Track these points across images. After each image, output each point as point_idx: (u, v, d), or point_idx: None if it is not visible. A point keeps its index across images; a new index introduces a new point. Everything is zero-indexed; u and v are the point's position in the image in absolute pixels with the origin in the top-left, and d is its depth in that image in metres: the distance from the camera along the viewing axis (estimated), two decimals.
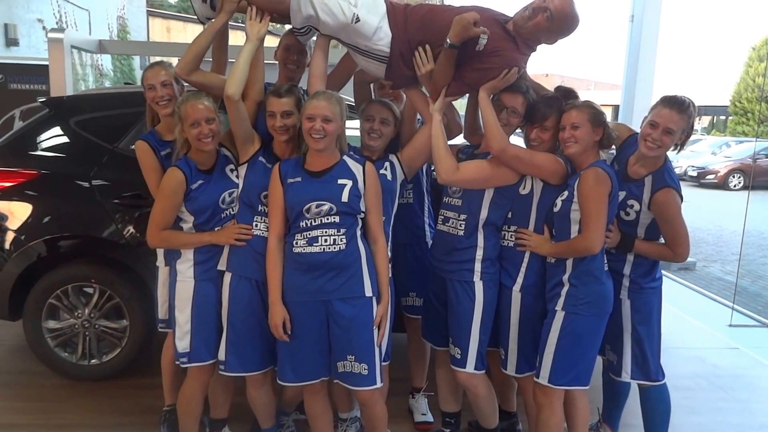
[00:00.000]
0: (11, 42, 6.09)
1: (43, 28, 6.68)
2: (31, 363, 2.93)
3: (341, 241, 1.91)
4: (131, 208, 2.68)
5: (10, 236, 2.72)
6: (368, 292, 1.96)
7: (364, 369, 1.93)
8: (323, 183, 1.92)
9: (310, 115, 1.87)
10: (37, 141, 2.80)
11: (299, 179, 1.93)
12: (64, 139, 2.83)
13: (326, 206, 1.90)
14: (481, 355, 2.13)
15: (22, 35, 6.26)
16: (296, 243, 1.92)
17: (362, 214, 1.97)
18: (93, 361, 2.82)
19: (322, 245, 1.89)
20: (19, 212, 2.73)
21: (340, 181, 1.92)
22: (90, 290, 2.79)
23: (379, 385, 1.98)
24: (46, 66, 4.84)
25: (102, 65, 7.90)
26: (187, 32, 11.69)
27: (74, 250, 2.81)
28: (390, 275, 2.14)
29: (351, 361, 1.94)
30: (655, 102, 2.03)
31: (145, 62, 8.99)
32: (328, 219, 1.91)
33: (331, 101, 1.89)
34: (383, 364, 2.11)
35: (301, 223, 1.91)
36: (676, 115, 1.94)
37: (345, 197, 1.90)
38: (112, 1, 8.92)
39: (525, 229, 2.08)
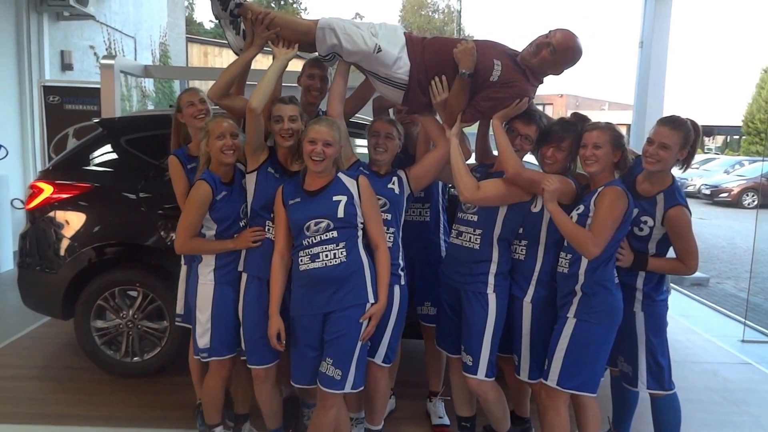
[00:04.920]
0: (66, 67, 6.57)
1: (94, 54, 7.20)
2: (79, 359, 3.17)
3: (341, 254, 2.00)
4: (173, 218, 2.85)
5: (65, 243, 2.98)
6: (372, 299, 2.05)
7: (338, 374, 2.01)
8: (319, 201, 2.03)
9: (312, 138, 1.99)
10: (92, 157, 3.09)
11: (299, 200, 2.06)
12: (116, 156, 3.09)
13: (324, 223, 2.01)
14: (491, 362, 2.21)
15: (75, 60, 6.75)
16: (301, 261, 2.03)
17: (361, 225, 2.07)
18: (135, 358, 3.02)
19: (323, 260, 2.00)
20: (74, 221, 2.99)
21: (335, 198, 2.03)
22: (134, 293, 3.01)
23: (347, 390, 2.03)
24: (98, 89, 5.28)
25: (146, 87, 8.43)
26: (222, 57, 12.32)
27: (121, 256, 3.04)
28: (404, 283, 2.26)
29: (329, 364, 2.02)
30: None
31: (185, 85, 9.50)
32: (326, 235, 2.01)
33: (332, 127, 2.03)
34: (385, 365, 2.22)
35: (303, 241, 2.03)
36: (669, 131, 2.05)
37: (341, 213, 2.01)
38: (156, 29, 9.52)
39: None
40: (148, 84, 8.58)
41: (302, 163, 2.18)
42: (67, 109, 5.37)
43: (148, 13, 9.17)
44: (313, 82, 2.41)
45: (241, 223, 2.27)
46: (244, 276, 2.24)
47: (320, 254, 2.02)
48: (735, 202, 13.78)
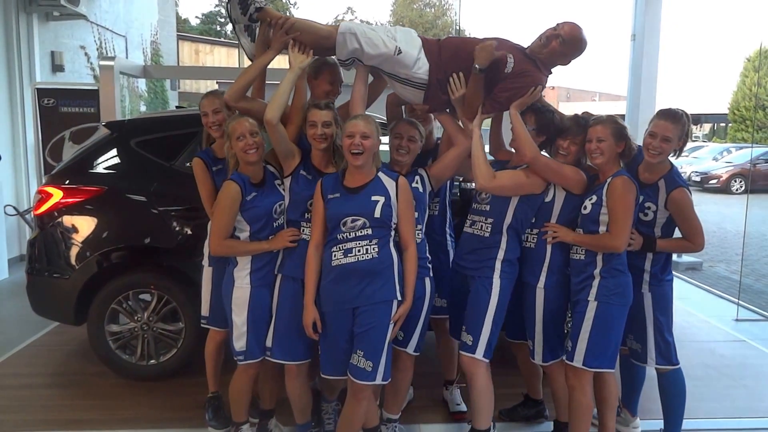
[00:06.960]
0: (57, 68, 6.44)
1: (85, 54, 7.08)
2: (88, 365, 3.17)
3: (373, 250, 2.07)
4: (186, 219, 2.91)
5: (77, 247, 2.96)
6: (399, 296, 2.12)
7: (369, 366, 2.08)
8: (358, 199, 2.09)
9: (351, 132, 2.07)
10: (102, 160, 3.06)
11: (338, 195, 2.11)
12: (126, 158, 3.07)
13: (360, 221, 2.07)
14: (490, 344, 2.27)
15: (66, 61, 6.62)
16: (334, 256, 2.09)
17: (394, 225, 2.13)
18: (151, 361, 3.02)
19: (356, 255, 2.07)
20: (85, 225, 2.97)
21: (373, 198, 2.09)
22: (147, 296, 3.00)
23: (378, 381, 2.10)
24: (94, 90, 5.21)
25: (137, 87, 8.33)
26: (214, 54, 12.21)
27: (135, 258, 3.03)
28: (432, 275, 2.32)
29: (360, 356, 2.08)
30: (653, 116, 2.29)
31: (176, 83, 9.42)
32: (361, 232, 2.07)
33: (368, 121, 2.10)
34: (415, 354, 2.30)
35: (338, 236, 2.09)
36: (671, 125, 2.20)
37: (377, 213, 2.07)
38: (147, 27, 9.40)
39: (549, 223, 2.27)
40: (140, 84, 8.48)
41: (337, 165, 2.22)
42: (62, 112, 5.28)
43: (138, 11, 9.05)
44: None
45: (275, 224, 2.29)
46: (279, 276, 2.28)
47: (353, 249, 2.08)
48: (724, 188, 14.17)
